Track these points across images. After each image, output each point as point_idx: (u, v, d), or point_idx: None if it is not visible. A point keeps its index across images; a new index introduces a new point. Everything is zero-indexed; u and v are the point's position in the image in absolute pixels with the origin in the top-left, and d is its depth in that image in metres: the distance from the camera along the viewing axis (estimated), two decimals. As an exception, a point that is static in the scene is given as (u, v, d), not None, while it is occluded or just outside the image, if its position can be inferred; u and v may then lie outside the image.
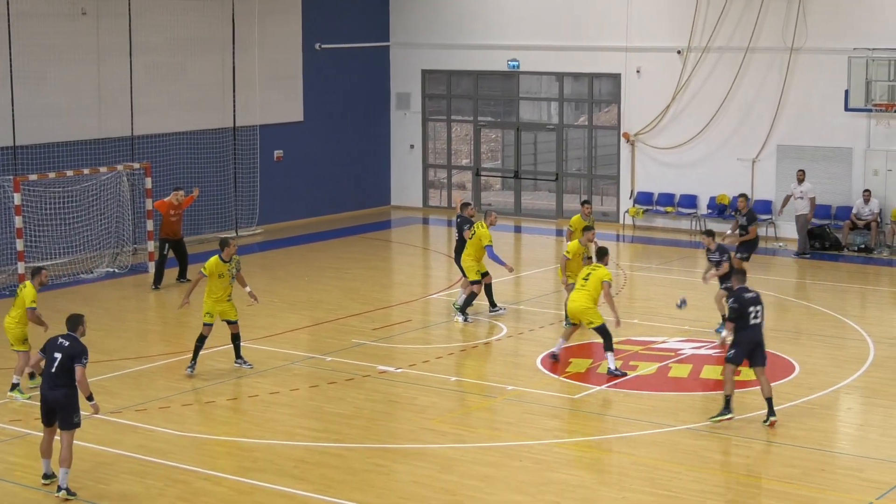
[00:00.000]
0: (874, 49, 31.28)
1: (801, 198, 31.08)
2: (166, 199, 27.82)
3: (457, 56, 37.75)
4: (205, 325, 21.07)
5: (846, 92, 31.44)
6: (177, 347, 22.66)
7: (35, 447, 16.86)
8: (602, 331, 20.88)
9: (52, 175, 28.43)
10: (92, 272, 28.99)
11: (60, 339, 15.99)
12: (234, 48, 33.88)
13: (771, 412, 18.20)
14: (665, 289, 27.45)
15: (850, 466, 16.89)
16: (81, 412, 15.93)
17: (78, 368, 15.68)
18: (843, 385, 20.44)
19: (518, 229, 36.00)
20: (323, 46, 36.53)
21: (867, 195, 31.29)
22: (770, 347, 22.32)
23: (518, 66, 36.91)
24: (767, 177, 33.14)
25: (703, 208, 34.24)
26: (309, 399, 19.79)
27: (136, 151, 31.48)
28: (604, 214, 36.16)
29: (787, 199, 31.68)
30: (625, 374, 20.72)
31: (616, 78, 35.53)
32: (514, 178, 37.80)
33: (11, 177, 27.68)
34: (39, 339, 20.35)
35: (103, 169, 29.59)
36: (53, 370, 15.76)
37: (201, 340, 21.09)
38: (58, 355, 15.79)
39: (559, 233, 35.07)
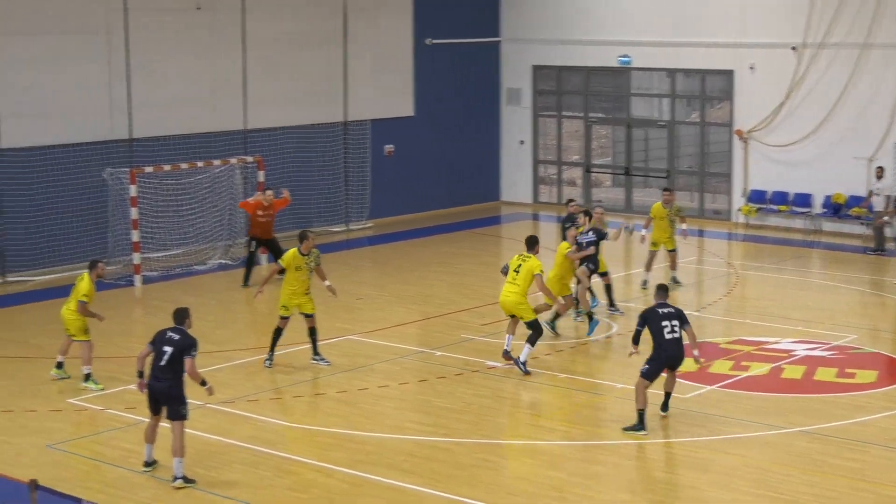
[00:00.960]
0: None
1: (878, 195, 30.76)
2: (251, 200, 27.79)
3: (568, 51, 37.65)
4: (280, 318, 21.17)
5: (968, 88, 30.94)
6: (288, 339, 22.81)
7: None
8: (534, 326, 20.66)
9: (166, 167, 28.84)
10: (205, 264, 29.37)
11: (170, 333, 16.25)
12: (345, 43, 34.09)
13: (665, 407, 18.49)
14: (778, 289, 27.16)
15: (968, 472, 16.62)
16: (189, 401, 16.14)
17: (187, 361, 15.98)
18: (961, 389, 20.09)
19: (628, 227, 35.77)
20: (434, 41, 36.61)
21: None
22: (887, 350, 22.10)
23: (629, 62, 36.73)
24: (887, 174, 32.61)
25: (817, 207, 33.82)
26: (418, 393, 19.88)
27: (249, 145, 31.81)
28: (715, 212, 35.89)
29: (869, 194, 31.42)
30: (528, 373, 20.48)
31: (729, 74, 35.22)
32: (625, 175, 37.64)
33: (128, 169, 28.11)
34: (97, 329, 20.73)
35: (217, 162, 29.95)
36: (163, 363, 16.05)
37: (278, 333, 21.19)
38: (168, 349, 16.07)
39: (678, 233, 34.77)
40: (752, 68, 34.66)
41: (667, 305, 18.40)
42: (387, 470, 16.43)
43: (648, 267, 27.03)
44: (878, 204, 31.03)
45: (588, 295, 23.62)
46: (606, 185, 38.98)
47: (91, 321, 20.10)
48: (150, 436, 16.42)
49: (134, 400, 19.27)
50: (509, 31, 38.58)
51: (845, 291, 27.17)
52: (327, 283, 21.49)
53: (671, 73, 36.45)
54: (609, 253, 25.52)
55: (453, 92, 37.43)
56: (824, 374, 20.78)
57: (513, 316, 21.06)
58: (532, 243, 21.24)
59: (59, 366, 20.38)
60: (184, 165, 29.17)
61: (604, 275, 24.42)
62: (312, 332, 21.29)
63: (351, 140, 34.56)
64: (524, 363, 20.64)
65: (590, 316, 23.23)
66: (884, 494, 15.72)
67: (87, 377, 20.08)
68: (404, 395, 19.81)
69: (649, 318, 18.26)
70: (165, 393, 16.03)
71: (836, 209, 33.20)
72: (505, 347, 21.08)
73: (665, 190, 28.18)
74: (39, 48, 28.01)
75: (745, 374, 20.74)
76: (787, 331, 23.44)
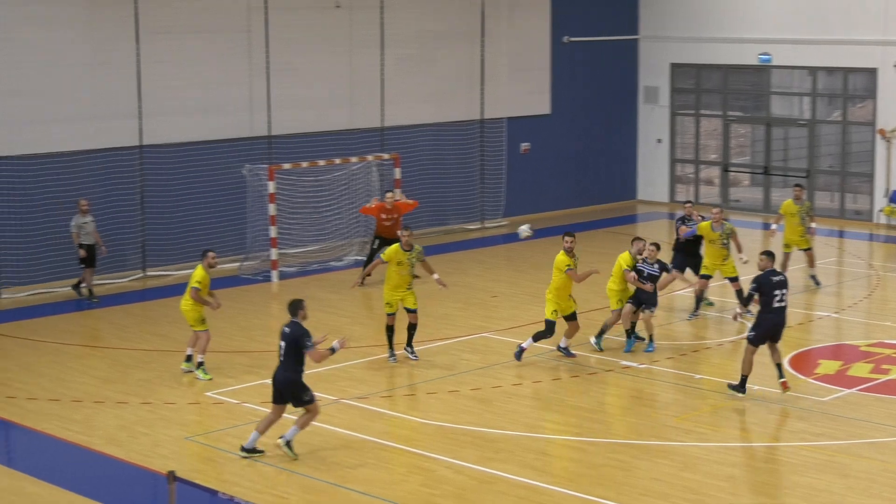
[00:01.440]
0: None
1: None
2: (373, 205, 27.52)
3: (706, 49, 37.29)
4: (388, 315, 21.26)
5: None
6: (423, 336, 22.89)
7: (285, 429, 17.37)
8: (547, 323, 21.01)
9: (304, 164, 29.13)
10: (341, 260, 29.59)
11: (284, 328, 16.68)
12: (482, 41, 34.13)
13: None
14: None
15: None
16: (324, 396, 16.29)
17: (307, 353, 16.44)
18: None
19: (767, 226, 35.33)
20: (571, 40, 36.49)
21: None
22: None
23: (770, 60, 36.25)
24: None
25: (963, 209, 33.13)
26: (551, 392, 19.83)
27: (386, 142, 32.00)
28: (856, 213, 35.28)
29: None
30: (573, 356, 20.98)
31: (872, 73, 34.59)
32: (764, 175, 37.15)
33: (266, 165, 28.44)
34: (236, 324, 21.00)
35: (354, 159, 30.16)
36: (281, 356, 16.57)
37: (390, 330, 21.27)
38: (282, 343, 16.59)
39: (809, 230, 34.29)
40: (896, 66, 34.05)
41: (777, 273, 18.67)
42: (518, 468, 16.42)
43: (783, 269, 26.63)
44: None
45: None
46: (744, 185, 38.51)
47: (209, 312, 20.51)
48: (263, 426, 16.77)
49: (270, 394, 19.49)
50: (647, 29, 38.32)
51: None
52: (436, 276, 21.66)
53: (812, 71, 35.90)
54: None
55: (590, 90, 37.28)
56: (968, 378, 20.35)
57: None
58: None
59: (188, 359, 20.73)
60: (321, 162, 29.45)
61: (734, 280, 23.99)
62: (412, 328, 21.39)
63: (487, 138, 34.60)
64: (520, 350, 21.11)
65: (628, 333, 22.31)
66: None
67: (199, 365, 20.48)
68: (538, 393, 19.77)
69: (763, 285, 18.51)
70: (287, 384, 16.50)
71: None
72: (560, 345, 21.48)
73: (796, 186, 27.82)
74: (181, 47, 28.47)
75: (885, 378, 20.36)
76: (929, 334, 23.00)
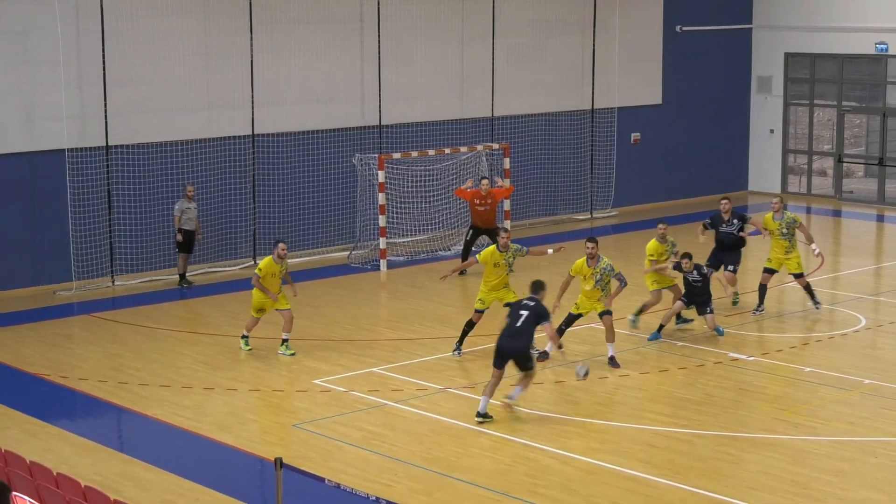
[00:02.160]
0: None
1: None
2: (468, 189, 27.47)
3: (821, 39, 36.75)
4: (476, 311, 21.15)
5: None
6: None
7: (392, 418, 17.44)
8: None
9: (414, 154, 29.20)
10: (449, 249, 29.60)
11: (525, 301, 18.07)
12: (594, 31, 33.95)
13: None
14: None
15: None
16: (430, 385, 16.30)
17: (546, 326, 17.91)
18: None
19: (881, 218, 34.81)
20: (684, 29, 36.17)
21: None
22: None
23: (886, 49, 35.63)
24: None
25: None
26: (658, 384, 19.67)
27: (496, 132, 31.96)
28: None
29: None
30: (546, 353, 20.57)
31: None
32: (879, 166, 36.53)
33: (377, 155, 28.54)
34: (345, 312, 21.06)
35: (463, 149, 30.16)
36: (519, 324, 17.77)
37: (470, 325, 21.15)
38: (524, 312, 17.82)
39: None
40: None
41: None
42: (624, 459, 16.32)
43: None
44: None
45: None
46: (858, 176, 37.91)
47: (295, 299, 21.34)
48: (489, 390, 17.80)
49: (377, 382, 19.59)
50: (761, 18, 37.85)
51: None
52: (550, 250, 22.43)
53: (931, 60, 35.27)
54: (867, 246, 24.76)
55: (702, 80, 36.92)
56: None
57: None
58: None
59: (244, 338, 21.43)
60: (431, 152, 29.49)
61: (800, 276, 23.48)
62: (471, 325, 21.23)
63: (597, 128, 34.43)
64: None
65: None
66: None
67: (284, 342, 21.10)
68: (645, 384, 19.63)
69: None
70: (515, 351, 17.68)
71: None
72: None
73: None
74: (294, 37, 28.64)
75: None
76: None
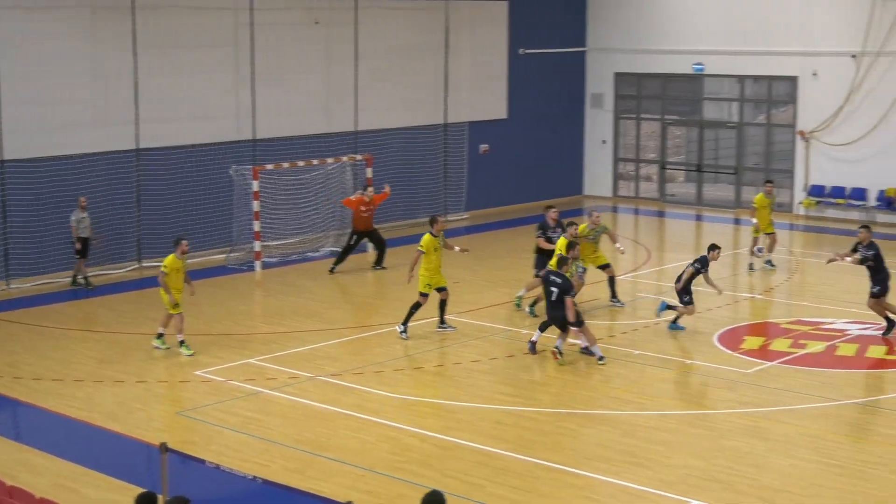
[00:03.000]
0: None
1: None
2: (353, 198, 27.61)
3: (646, 60, 37.28)
4: (422, 294, 21.37)
5: None
6: (392, 319, 22.85)
7: (267, 404, 17.28)
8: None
9: (285, 165, 28.98)
10: (318, 251, 29.46)
11: (552, 276, 19.77)
12: (446, 53, 34.03)
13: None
14: (834, 275, 26.64)
15: None
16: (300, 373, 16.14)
17: (567, 300, 19.33)
18: None
19: (699, 218, 35.45)
20: (526, 51, 36.43)
21: None
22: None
23: (702, 70, 36.27)
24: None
25: (872, 200, 33.20)
26: (506, 367, 19.77)
27: (359, 145, 31.87)
28: (778, 205, 35.23)
29: None
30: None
31: (793, 80, 34.65)
32: (697, 171, 37.18)
33: (251, 166, 28.28)
34: (225, 309, 20.90)
35: (330, 160, 30.03)
36: (553, 298, 19.62)
37: (417, 307, 21.40)
38: (554, 289, 19.58)
39: (737, 221, 34.42)
40: (814, 75, 34.07)
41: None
42: (476, 436, 16.37)
43: (752, 252, 27.00)
44: None
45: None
46: (679, 181, 38.55)
47: (191, 298, 20.68)
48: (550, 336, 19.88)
49: (254, 372, 19.41)
50: (594, 42, 38.28)
51: (898, 277, 26.62)
52: (457, 248, 22.45)
53: (740, 79, 35.95)
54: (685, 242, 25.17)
55: (543, 96, 37.23)
56: (875, 351, 20.41)
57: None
58: (570, 247, 20.83)
59: (182, 343, 20.59)
60: (300, 163, 29.29)
61: (605, 267, 23.59)
62: (444, 304, 21.62)
63: (450, 140, 34.51)
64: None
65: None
66: (929, 463, 15.40)
67: (182, 343, 20.51)
68: (494, 369, 19.71)
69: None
70: (558, 318, 19.69)
71: (888, 202, 32.57)
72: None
73: (767, 182, 28.17)
74: (175, 59, 28.24)
75: (802, 352, 20.41)
76: (842, 312, 23.04)
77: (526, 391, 18.45)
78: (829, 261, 22.39)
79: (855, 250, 21.59)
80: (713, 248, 21.87)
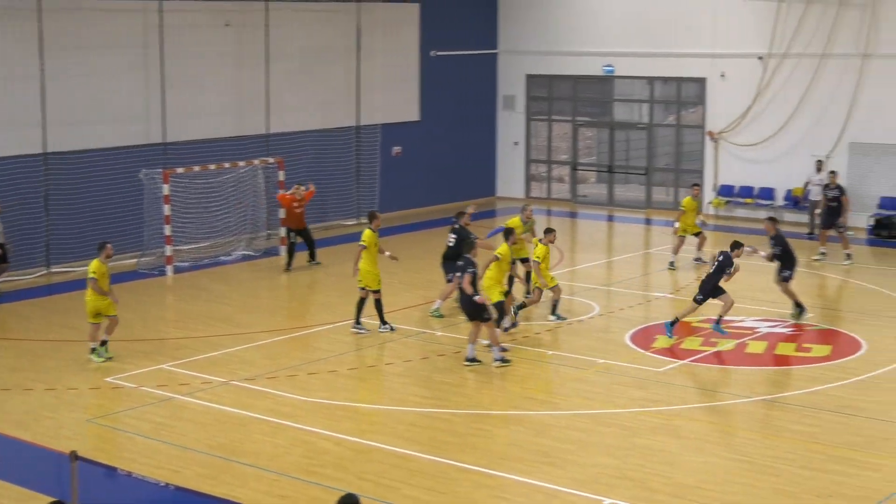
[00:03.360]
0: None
1: (819, 185, 30.57)
2: (287, 194, 27.90)
3: (557, 62, 37.52)
4: (362, 289, 21.53)
5: (913, 94, 30.83)
6: (305, 322, 22.81)
7: (180, 409, 17.14)
8: (498, 306, 20.33)
9: (196, 168, 28.74)
10: (230, 254, 29.26)
11: (459, 262, 19.76)
12: (358, 55, 33.98)
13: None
14: (742, 273, 26.97)
15: (912, 437, 16.56)
16: (214, 378, 16.06)
17: (464, 276, 19.35)
18: (907, 362, 20.01)
19: (611, 218, 35.75)
20: (437, 53, 36.50)
21: None
22: (839, 327, 22.11)
23: (613, 71, 36.59)
24: (839, 171, 32.39)
25: (779, 199, 33.73)
26: (420, 369, 19.78)
27: (271, 148, 31.72)
28: (689, 205, 35.73)
29: (805, 185, 31.38)
30: (508, 362, 19.82)
31: (702, 82, 35.09)
32: (608, 172, 37.50)
33: (161, 170, 28.02)
34: (137, 313, 20.70)
35: (241, 163, 29.85)
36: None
37: (363, 303, 21.68)
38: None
39: (648, 221, 34.80)
40: (722, 76, 34.53)
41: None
42: (391, 438, 16.37)
43: (676, 251, 27.41)
44: (815, 194, 30.90)
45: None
46: (591, 182, 38.86)
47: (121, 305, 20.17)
48: (472, 337, 19.71)
49: (166, 378, 19.23)
50: (506, 44, 38.45)
51: (804, 275, 27.07)
52: (387, 253, 22.57)
53: (650, 80, 36.32)
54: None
55: (455, 98, 37.33)
56: (784, 348, 20.74)
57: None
58: (508, 234, 21.21)
59: (93, 351, 20.25)
60: (212, 166, 29.07)
61: (525, 261, 23.44)
62: (362, 304, 21.76)
63: (363, 142, 34.47)
64: (501, 357, 20.03)
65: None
66: (835, 455, 15.67)
67: (103, 343, 20.06)
68: (408, 371, 19.72)
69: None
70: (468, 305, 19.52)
71: (795, 202, 33.11)
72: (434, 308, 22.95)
73: (694, 185, 29.12)
74: (83, 62, 27.90)
75: (713, 350, 20.67)
76: (751, 310, 23.36)
77: (440, 393, 18.47)
78: (747, 252, 22.59)
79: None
80: (737, 245, 21.74)
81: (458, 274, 19.87)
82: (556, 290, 22.50)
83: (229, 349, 20.89)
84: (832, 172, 29.21)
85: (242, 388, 18.69)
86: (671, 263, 27.48)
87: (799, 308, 22.63)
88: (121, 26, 28.67)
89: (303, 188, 28.15)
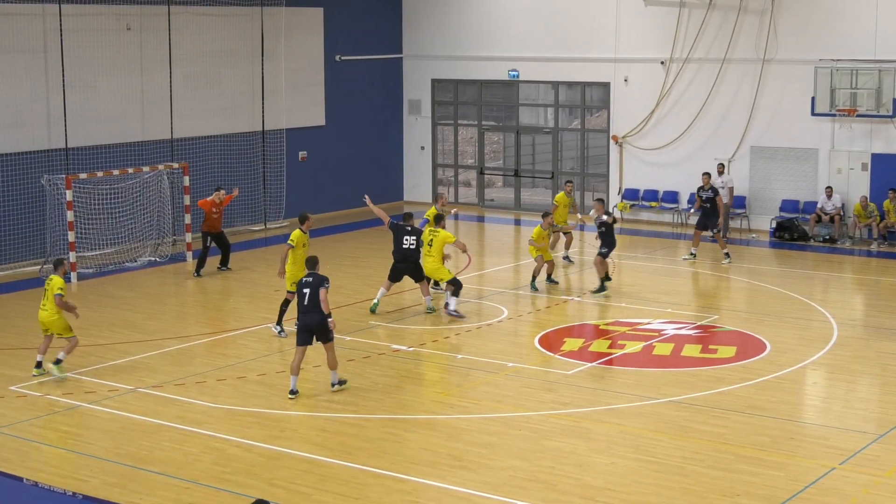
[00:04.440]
0: (838, 60, 31.17)
1: (722, 187, 31.05)
2: (209, 198, 27.68)
3: (463, 66, 37.67)
4: (290, 292, 21.42)
5: (812, 99, 31.38)
6: (212, 328, 22.66)
7: (86, 418, 16.92)
8: (454, 282, 23.23)
9: (100, 174, 28.39)
10: (136, 261, 28.96)
11: (304, 279, 18.31)
12: (262, 59, 33.83)
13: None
14: (649, 276, 27.39)
15: (816, 435, 16.87)
16: (121, 386, 15.93)
17: (321, 291, 17.98)
18: (810, 362, 20.39)
19: (518, 222, 35.98)
20: (342, 58, 36.47)
21: (829, 191, 31.31)
22: (744, 328, 22.43)
23: (518, 76, 36.84)
24: (741, 174, 33.05)
25: (683, 203, 34.18)
26: (330, 375, 19.71)
27: (176, 153, 31.45)
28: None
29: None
30: (462, 316, 22.93)
31: (606, 86, 35.46)
32: (514, 176, 37.72)
33: (64, 175, 27.66)
34: (35, 322, 20.42)
35: (146, 168, 29.55)
36: (306, 302, 18.01)
37: (287, 304, 21.62)
38: (306, 290, 18.04)
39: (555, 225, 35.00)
40: (626, 81, 34.92)
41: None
42: (301, 444, 16.33)
43: (553, 246, 27.83)
44: (724, 196, 31.38)
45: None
46: (498, 186, 39.04)
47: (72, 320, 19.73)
48: (296, 369, 18.33)
49: (72, 386, 18.98)
50: (410, 49, 38.52)
51: (708, 277, 27.50)
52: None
53: (555, 85, 36.61)
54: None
55: (360, 103, 37.31)
56: (690, 350, 20.99)
57: (429, 279, 23.58)
58: (438, 219, 23.73)
59: (39, 365, 19.64)
60: (116, 172, 28.74)
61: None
62: (287, 305, 21.78)
63: (268, 147, 34.31)
64: (456, 310, 23.03)
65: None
66: (742, 455, 15.92)
67: (58, 362, 19.44)
68: (318, 376, 19.64)
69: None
70: (316, 323, 18.04)
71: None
72: (428, 305, 23.61)
73: (567, 182, 29.58)
74: (-19, 66, 27.50)
75: (621, 352, 20.89)
76: (657, 312, 23.65)
77: (350, 398, 18.44)
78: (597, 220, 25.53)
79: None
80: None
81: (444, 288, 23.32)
82: (550, 263, 25.92)
83: (136, 356, 20.68)
84: (706, 174, 29.51)
85: (150, 395, 18.51)
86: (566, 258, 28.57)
87: (604, 283, 25.30)
88: (20, 30, 28.25)
89: (223, 192, 27.87)
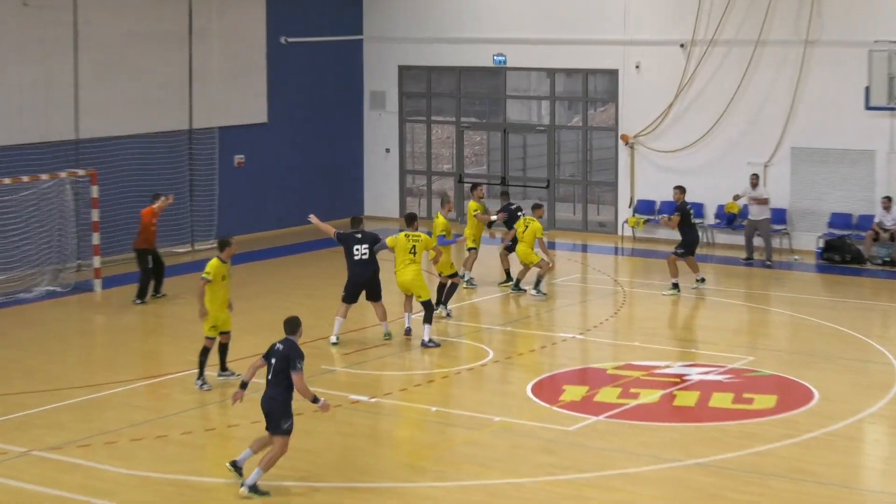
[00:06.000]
0: (898, 42, 31.24)
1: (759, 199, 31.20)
2: (154, 206, 27.88)
3: (437, 51, 37.64)
4: (209, 338, 21.40)
5: (867, 89, 31.43)
6: (127, 375, 22.43)
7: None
8: (428, 304, 23.82)
9: (-14, 183, 28.26)
10: (31, 291, 28.75)
11: (276, 345, 17.01)
12: (190, 43, 33.76)
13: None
14: (669, 308, 27.26)
15: (877, 505, 16.74)
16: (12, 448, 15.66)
17: (294, 376, 16.71)
18: (868, 414, 20.29)
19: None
20: (289, 40, 36.43)
21: (886, 202, 31.25)
22: (786, 372, 22.31)
23: (505, 62, 36.79)
24: (781, 182, 32.98)
25: (710, 218, 34.13)
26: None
27: (82, 157, 31.28)
28: (600, 225, 36.03)
29: (735, 198, 31.86)
30: (438, 345, 23.61)
31: (613, 74, 35.46)
32: (501, 185, 37.59)
33: (-57, 185, 27.53)
34: None
35: (45, 176, 29.41)
36: (270, 376, 16.95)
37: (206, 353, 21.44)
38: (273, 361, 16.92)
39: (553, 245, 34.89)
40: (637, 68, 34.94)
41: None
42: (234, 521, 16.10)
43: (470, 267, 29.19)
44: (756, 213, 31.35)
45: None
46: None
47: None
48: (257, 445, 17.21)
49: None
50: (373, 29, 38.49)
51: (741, 309, 27.39)
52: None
53: (550, 73, 36.59)
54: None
55: (312, 96, 37.27)
56: (720, 400, 20.88)
57: (409, 295, 24.14)
58: (411, 219, 24.49)
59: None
60: (6, 180, 28.55)
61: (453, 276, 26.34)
62: (226, 348, 21.79)
63: (197, 150, 34.20)
64: (430, 340, 23.64)
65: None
66: (787, 533, 15.77)
67: None
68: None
69: None
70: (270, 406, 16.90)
71: (729, 220, 33.37)
72: (406, 325, 24.24)
73: (477, 186, 30.63)
74: None
75: (634, 403, 20.76)
76: (679, 353, 23.56)
77: (298, 462, 18.19)
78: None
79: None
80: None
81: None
82: (542, 264, 27.47)
83: (31, 410, 20.45)
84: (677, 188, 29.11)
85: (48, 459, 18.26)
86: (507, 283, 29.16)
87: (509, 277, 28.56)
88: None
89: (165, 199, 28.07)
